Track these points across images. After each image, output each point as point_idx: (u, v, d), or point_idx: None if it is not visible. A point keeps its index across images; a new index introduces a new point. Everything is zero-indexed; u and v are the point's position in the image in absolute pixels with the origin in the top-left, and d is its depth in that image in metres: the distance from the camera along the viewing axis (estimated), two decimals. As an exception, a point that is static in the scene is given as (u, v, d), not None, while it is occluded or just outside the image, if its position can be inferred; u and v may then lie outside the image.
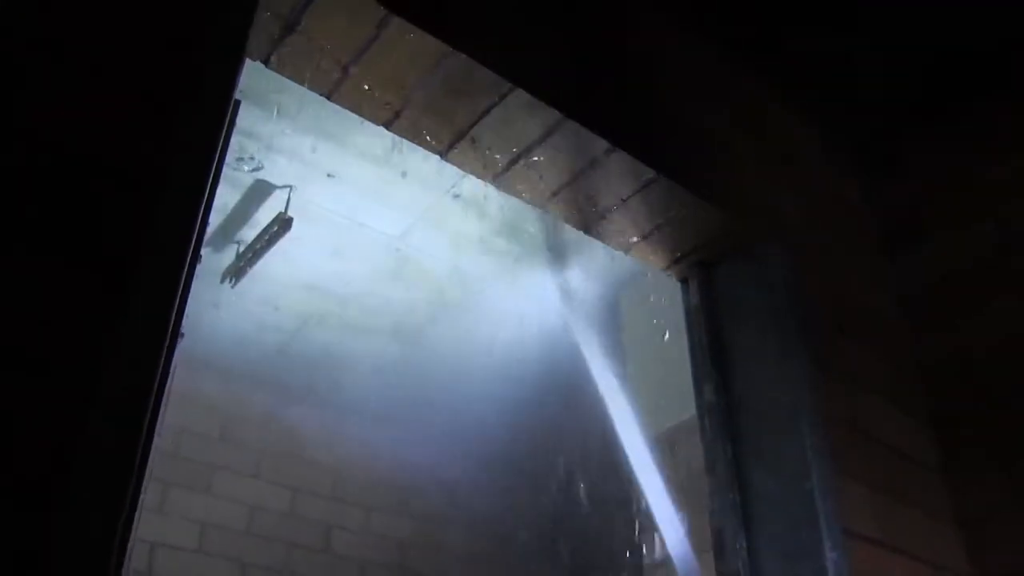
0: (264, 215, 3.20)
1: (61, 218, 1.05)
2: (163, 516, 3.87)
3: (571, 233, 3.16)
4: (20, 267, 0.99)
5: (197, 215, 1.20)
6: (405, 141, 1.97)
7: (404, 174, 3.05)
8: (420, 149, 2.00)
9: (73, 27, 1.16)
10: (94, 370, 1.00)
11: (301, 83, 1.82)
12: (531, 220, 3.23)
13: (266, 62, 1.73)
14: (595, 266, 3.48)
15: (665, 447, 3.09)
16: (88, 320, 1.02)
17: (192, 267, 1.20)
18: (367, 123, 1.94)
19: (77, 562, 0.90)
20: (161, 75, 1.23)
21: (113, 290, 1.05)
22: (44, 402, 0.95)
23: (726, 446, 2.07)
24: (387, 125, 1.89)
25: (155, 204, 1.14)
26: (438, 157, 2.00)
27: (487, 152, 1.95)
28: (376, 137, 2.86)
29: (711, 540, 1.99)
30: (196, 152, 1.23)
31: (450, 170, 2.91)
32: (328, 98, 1.84)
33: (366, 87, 1.81)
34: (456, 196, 3.13)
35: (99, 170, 1.10)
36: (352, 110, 1.87)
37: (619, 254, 2.34)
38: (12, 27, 1.11)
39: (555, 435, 3.95)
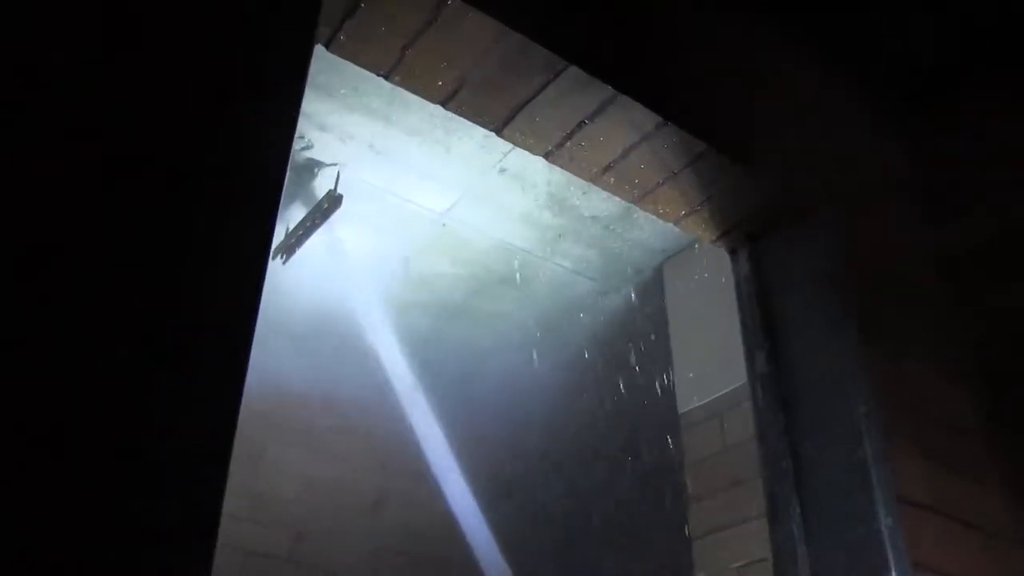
0: (314, 193, 3.25)
1: (152, 219, 1.10)
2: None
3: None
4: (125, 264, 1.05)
5: (277, 203, 1.25)
6: (452, 117, 2.02)
7: (450, 150, 3.09)
8: (467, 125, 2.05)
9: (145, 24, 1.21)
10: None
11: (360, 65, 1.86)
12: (576, 194, 3.26)
13: (327, 46, 1.78)
14: (638, 236, 3.51)
15: (709, 418, 3.13)
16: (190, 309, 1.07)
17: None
18: (414, 100, 1.98)
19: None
20: (237, 66, 1.27)
21: (208, 279, 1.11)
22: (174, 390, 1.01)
23: (778, 414, 2.10)
24: (444, 103, 1.94)
25: (240, 198, 1.19)
26: (484, 132, 2.05)
27: (541, 129, 1.99)
28: (423, 114, 2.91)
29: (765, 506, 2.04)
30: (273, 143, 1.28)
31: (495, 145, 2.97)
32: (386, 78, 1.88)
33: (423, 68, 1.85)
34: (502, 171, 3.16)
35: (182, 167, 1.16)
36: (409, 90, 1.92)
37: (662, 224, 2.38)
38: (79, 29, 1.15)
39: (598, 410, 4.00)
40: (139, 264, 1.05)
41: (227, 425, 1.05)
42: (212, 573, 0.98)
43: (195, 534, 0.98)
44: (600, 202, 3.31)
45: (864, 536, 1.87)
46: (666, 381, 3.37)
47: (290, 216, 3.41)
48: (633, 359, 3.85)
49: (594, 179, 2.16)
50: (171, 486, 0.99)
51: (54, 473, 0.91)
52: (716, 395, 3.06)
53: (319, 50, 1.79)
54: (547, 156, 2.08)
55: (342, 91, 2.87)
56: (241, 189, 1.21)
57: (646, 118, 1.98)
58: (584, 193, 3.25)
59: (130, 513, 0.94)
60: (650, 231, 3.45)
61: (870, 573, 1.82)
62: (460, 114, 1.97)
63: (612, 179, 2.15)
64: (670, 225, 2.34)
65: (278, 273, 3.65)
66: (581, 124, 1.99)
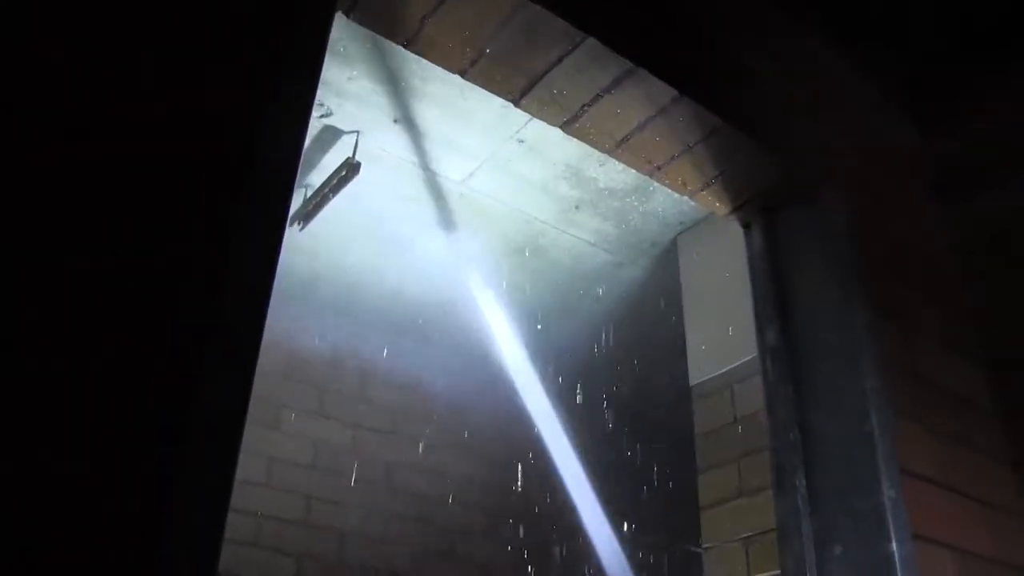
0: (332, 160, 3.28)
1: (175, 193, 1.13)
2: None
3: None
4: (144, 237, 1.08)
5: (295, 173, 1.28)
6: (471, 87, 2.04)
7: (469, 119, 3.11)
8: (485, 95, 2.06)
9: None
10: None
11: (379, 33, 1.88)
12: (593, 166, 3.28)
13: (348, 14, 1.80)
14: (654, 209, 3.53)
15: (720, 390, 3.15)
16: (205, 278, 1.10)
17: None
18: (433, 70, 1.99)
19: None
20: (258, 34, 1.30)
21: (224, 252, 1.14)
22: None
23: (787, 387, 2.13)
24: (462, 74, 1.95)
25: (259, 166, 1.21)
26: (503, 102, 2.07)
27: (559, 100, 2.01)
28: (442, 83, 2.93)
29: (771, 477, 2.07)
30: (293, 111, 1.30)
31: (514, 116, 2.98)
32: (405, 47, 1.90)
33: (442, 38, 1.86)
34: (520, 141, 3.18)
35: (198, 140, 1.18)
36: (429, 59, 1.93)
37: (678, 197, 2.39)
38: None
39: (619, 378, 4.03)
40: (159, 238, 1.09)
41: (238, 407, 1.08)
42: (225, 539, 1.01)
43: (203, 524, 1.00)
44: (616, 174, 3.33)
45: (867, 507, 1.89)
46: (679, 353, 3.40)
47: (309, 182, 3.44)
48: (647, 331, 3.88)
49: (610, 151, 2.17)
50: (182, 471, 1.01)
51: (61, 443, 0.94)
52: (727, 367, 3.09)
53: (339, 17, 1.81)
54: (564, 127, 2.09)
55: (361, 58, 2.89)
56: (259, 160, 1.23)
57: (662, 92, 1.99)
58: (601, 165, 3.27)
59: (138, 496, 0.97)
60: (666, 204, 3.47)
61: (872, 544, 1.85)
62: (479, 84, 1.99)
63: (628, 151, 2.17)
64: (685, 198, 2.36)
65: (296, 240, 3.69)
66: (598, 96, 2.00)
